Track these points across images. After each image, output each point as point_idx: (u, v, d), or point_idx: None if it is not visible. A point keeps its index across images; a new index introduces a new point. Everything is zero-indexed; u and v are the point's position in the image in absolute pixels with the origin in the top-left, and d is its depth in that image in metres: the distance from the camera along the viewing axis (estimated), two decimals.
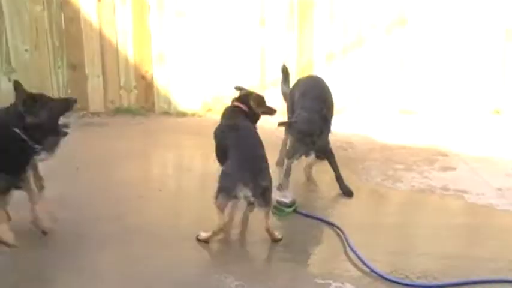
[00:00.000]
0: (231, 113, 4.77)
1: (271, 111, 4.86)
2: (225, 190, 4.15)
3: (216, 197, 4.18)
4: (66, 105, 4.26)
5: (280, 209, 4.87)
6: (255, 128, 4.72)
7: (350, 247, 4.22)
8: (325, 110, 5.30)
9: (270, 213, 4.29)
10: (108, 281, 3.89)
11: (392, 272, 3.90)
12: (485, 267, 3.97)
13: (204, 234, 4.28)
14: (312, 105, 5.25)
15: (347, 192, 5.31)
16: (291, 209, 4.88)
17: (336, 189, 5.45)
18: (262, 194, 4.13)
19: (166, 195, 5.52)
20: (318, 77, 5.94)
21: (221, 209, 4.19)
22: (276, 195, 4.88)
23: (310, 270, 4.00)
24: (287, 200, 4.89)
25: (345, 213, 5.06)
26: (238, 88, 4.96)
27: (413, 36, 8.10)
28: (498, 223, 4.82)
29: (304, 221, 4.79)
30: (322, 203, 5.22)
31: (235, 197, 4.18)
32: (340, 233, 4.48)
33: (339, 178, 5.38)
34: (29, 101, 4.06)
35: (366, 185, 5.64)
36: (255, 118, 4.77)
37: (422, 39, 8.10)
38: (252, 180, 4.09)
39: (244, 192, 4.11)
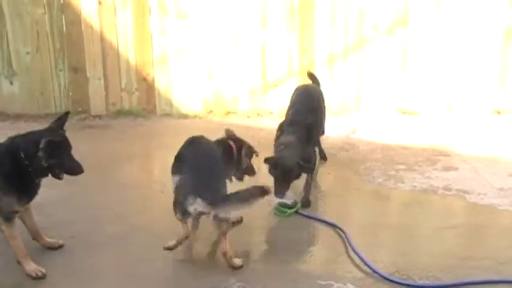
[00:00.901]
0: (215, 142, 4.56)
1: (251, 172, 4.78)
2: (178, 205, 3.98)
3: (174, 212, 4.04)
4: (76, 169, 4.09)
5: (282, 210, 4.88)
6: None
7: (352, 248, 4.23)
8: (311, 119, 5.35)
9: (228, 231, 3.95)
10: (108, 281, 3.90)
11: (395, 273, 3.90)
12: (488, 267, 3.97)
13: (169, 243, 4.17)
14: (298, 118, 5.33)
15: (305, 202, 5.09)
16: (292, 210, 4.88)
17: (337, 190, 5.46)
18: (215, 207, 3.82)
19: (167, 196, 5.51)
20: (309, 86, 6.04)
21: (182, 222, 4.08)
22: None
23: (312, 271, 4.00)
24: (289, 201, 4.89)
25: (346, 213, 5.07)
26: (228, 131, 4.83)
27: (415, 36, 8.10)
28: (500, 223, 4.81)
29: (306, 222, 4.79)
30: (324, 204, 5.21)
31: (188, 212, 3.93)
32: (342, 234, 4.48)
33: (307, 186, 5.22)
34: (52, 146, 3.85)
35: (367, 185, 5.64)
36: (232, 163, 4.62)
37: (424, 39, 8.10)
38: (202, 194, 3.82)
39: (195, 207, 3.85)
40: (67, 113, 4.19)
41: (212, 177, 4.01)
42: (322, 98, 6.04)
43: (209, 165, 4.11)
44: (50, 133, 3.94)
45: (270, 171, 4.87)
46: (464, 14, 7.99)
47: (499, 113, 8.15)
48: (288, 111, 5.64)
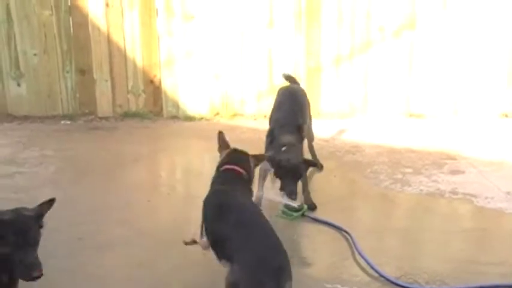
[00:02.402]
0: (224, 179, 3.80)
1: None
2: None
3: None
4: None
5: (289, 213, 4.86)
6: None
7: (358, 251, 4.22)
8: (301, 120, 5.23)
9: None
10: (113, 283, 3.91)
11: (401, 277, 3.89)
12: (494, 271, 3.96)
13: None
14: (288, 120, 5.15)
15: (310, 205, 5.08)
16: (299, 213, 4.86)
17: (343, 193, 5.45)
18: None
19: (174, 199, 5.53)
20: (293, 87, 5.86)
21: None
22: (284, 199, 4.87)
23: (318, 275, 4.00)
24: (295, 204, 4.87)
25: (353, 217, 5.06)
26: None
27: (422, 39, 8.08)
28: (507, 227, 4.80)
29: (312, 224, 4.79)
30: (330, 207, 5.19)
31: None
32: (349, 237, 4.47)
33: (305, 191, 5.16)
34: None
35: (374, 188, 5.63)
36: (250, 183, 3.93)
37: (431, 42, 8.08)
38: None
39: None
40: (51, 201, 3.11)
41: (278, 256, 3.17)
42: (306, 98, 5.79)
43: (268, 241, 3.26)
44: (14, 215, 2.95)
45: (276, 172, 4.83)
46: (472, 16, 7.97)
47: (506, 116, 8.11)
48: (275, 112, 5.46)
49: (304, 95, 5.78)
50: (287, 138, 4.96)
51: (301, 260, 4.22)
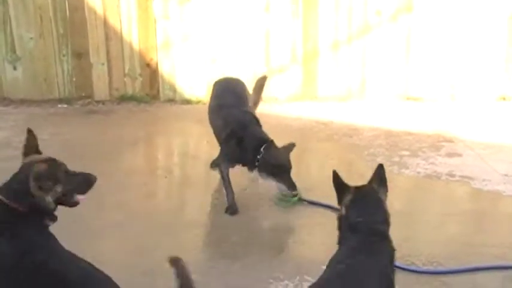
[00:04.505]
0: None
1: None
2: None
3: None
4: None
5: (285, 199, 4.85)
6: None
7: None
8: (251, 113, 5.02)
9: None
10: (109, 268, 3.90)
11: (398, 259, 3.89)
12: (491, 253, 3.98)
13: None
14: (243, 117, 4.91)
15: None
16: (295, 199, 4.84)
17: (340, 175, 5.44)
18: None
19: (171, 182, 5.53)
20: (231, 79, 5.68)
21: None
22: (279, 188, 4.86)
23: (316, 257, 3.99)
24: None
25: None
26: None
27: (419, 22, 8.05)
28: (504, 209, 4.82)
29: (309, 207, 4.79)
30: (327, 189, 5.15)
31: None
32: None
33: None
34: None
35: (371, 171, 5.57)
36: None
37: (428, 25, 8.04)
38: None
39: None
40: None
41: None
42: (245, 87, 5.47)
43: None
44: None
45: (268, 173, 4.66)
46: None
47: (504, 99, 8.10)
48: (218, 110, 5.07)
49: (243, 84, 5.49)
50: (257, 134, 4.78)
51: (299, 243, 4.23)
